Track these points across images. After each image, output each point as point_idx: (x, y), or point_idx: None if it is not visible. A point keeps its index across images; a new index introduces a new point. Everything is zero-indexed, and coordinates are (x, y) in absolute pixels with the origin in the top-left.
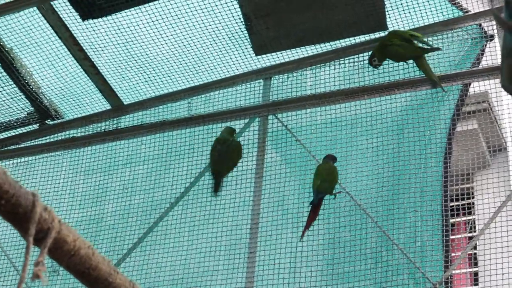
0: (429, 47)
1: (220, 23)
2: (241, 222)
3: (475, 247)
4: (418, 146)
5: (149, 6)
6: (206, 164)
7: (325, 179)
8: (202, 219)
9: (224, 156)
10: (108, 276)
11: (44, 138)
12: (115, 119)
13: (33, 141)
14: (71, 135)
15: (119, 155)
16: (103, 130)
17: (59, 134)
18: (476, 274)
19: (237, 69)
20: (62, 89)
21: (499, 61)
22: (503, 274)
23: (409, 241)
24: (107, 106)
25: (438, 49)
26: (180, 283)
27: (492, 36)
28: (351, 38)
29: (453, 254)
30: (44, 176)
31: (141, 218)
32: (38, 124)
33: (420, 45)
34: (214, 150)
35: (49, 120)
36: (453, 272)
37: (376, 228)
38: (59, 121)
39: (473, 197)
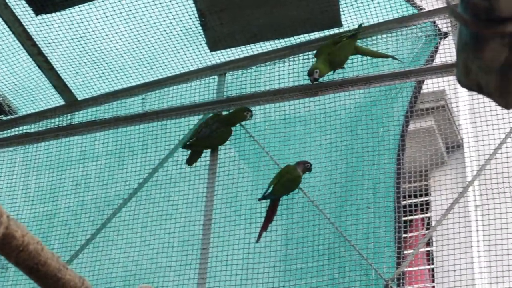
0: (355, 32)
1: (174, 18)
2: (194, 219)
3: (430, 244)
4: (371, 143)
5: (103, 1)
6: (159, 161)
7: (283, 185)
8: (155, 215)
9: (213, 136)
10: (57, 272)
11: None
12: (68, 114)
13: None
14: (24, 131)
15: (72, 151)
16: (56, 126)
17: (12, 130)
18: (433, 270)
19: (192, 65)
20: (16, 85)
21: (453, 58)
22: (455, 270)
23: (362, 237)
24: (61, 101)
25: (359, 29)
26: (132, 279)
27: (446, 34)
28: (305, 35)
29: (408, 252)
30: None
31: (94, 214)
32: None
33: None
34: (207, 124)
35: (2, 116)
36: (410, 269)
37: (329, 225)
38: (12, 116)
39: (429, 194)
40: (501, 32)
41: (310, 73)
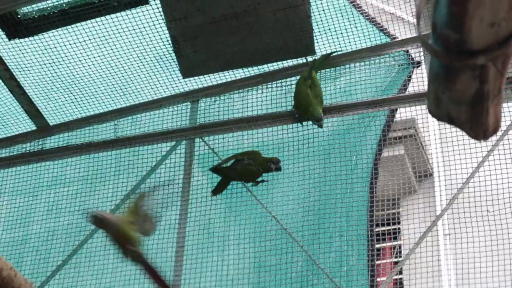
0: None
1: (148, 45)
2: (167, 245)
3: (401, 272)
4: (344, 171)
5: (76, 26)
6: (132, 187)
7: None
8: None
9: (242, 171)
10: None
11: None
12: (40, 140)
13: None
14: None
15: (44, 177)
16: (28, 151)
17: None
18: None
19: (164, 92)
20: None
21: (425, 87)
22: None
23: (335, 265)
24: (32, 126)
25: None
26: None
27: (419, 63)
28: (279, 62)
29: (379, 279)
30: None
31: (66, 240)
32: None
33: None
34: (241, 157)
35: None
36: None
37: (302, 252)
38: None
39: (399, 223)
40: (472, 64)
41: (320, 119)
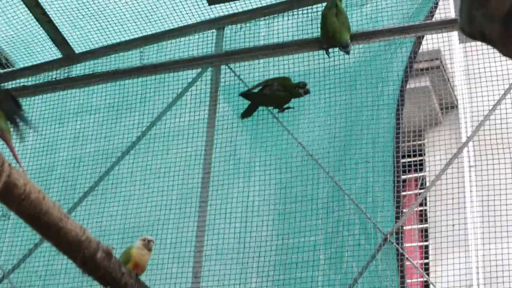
0: None
1: None
2: (193, 172)
3: (425, 204)
4: (370, 98)
5: None
6: (157, 114)
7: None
8: (154, 169)
9: (271, 96)
10: (58, 221)
11: None
12: (66, 68)
13: None
14: (21, 84)
15: (70, 105)
16: (54, 79)
17: (10, 83)
18: (426, 230)
19: (190, 19)
20: (13, 37)
21: (452, 14)
22: (447, 231)
23: (361, 192)
24: (58, 55)
25: None
26: (131, 231)
27: None
28: None
29: (404, 210)
30: None
31: (93, 167)
32: None
33: None
34: (271, 82)
35: None
36: (405, 227)
37: (328, 179)
38: (9, 69)
39: (424, 154)
40: None
41: (347, 45)
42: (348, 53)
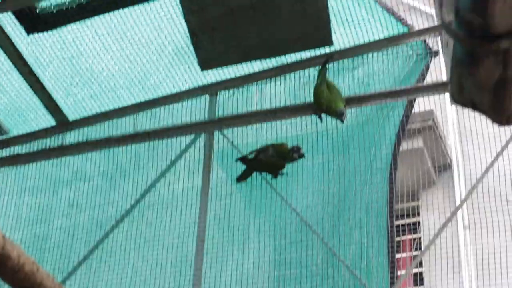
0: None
1: (166, 38)
2: (187, 240)
3: (421, 265)
4: (363, 162)
5: (95, 20)
6: (151, 181)
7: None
8: (148, 237)
9: (265, 163)
10: None
11: None
12: (60, 135)
13: None
14: (15, 152)
15: (64, 172)
16: (48, 147)
17: (3, 150)
18: None
19: (183, 85)
20: (7, 104)
21: (443, 77)
22: None
23: (355, 258)
24: (52, 122)
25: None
26: None
27: (436, 52)
28: (296, 54)
29: (399, 272)
30: None
31: (87, 235)
32: None
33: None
34: (266, 149)
35: None
36: None
37: (322, 245)
38: (3, 137)
39: (419, 215)
40: (495, 49)
41: (342, 113)
42: (342, 122)
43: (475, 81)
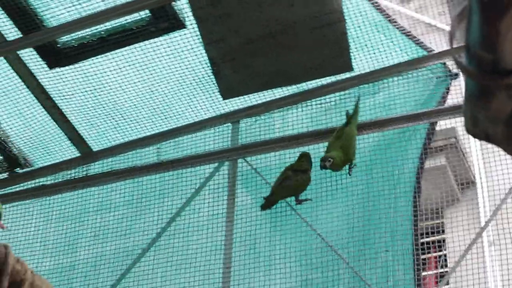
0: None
1: (186, 68)
2: (214, 267)
3: (447, 283)
4: (387, 186)
5: (116, 53)
6: (176, 209)
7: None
8: (175, 265)
9: (291, 185)
10: None
11: (14, 187)
12: (84, 166)
13: (2, 190)
14: (40, 183)
15: (89, 202)
16: (72, 178)
17: (29, 182)
18: None
19: (205, 114)
20: (31, 137)
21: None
22: None
23: (381, 281)
24: (76, 153)
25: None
26: None
27: (456, 75)
28: (317, 80)
29: None
30: (15, 225)
31: (114, 265)
32: (7, 173)
33: None
34: (287, 175)
35: (18, 169)
36: None
37: (348, 269)
38: (28, 169)
39: (443, 232)
40: (506, 84)
41: (323, 160)
42: (321, 167)
43: (488, 115)
